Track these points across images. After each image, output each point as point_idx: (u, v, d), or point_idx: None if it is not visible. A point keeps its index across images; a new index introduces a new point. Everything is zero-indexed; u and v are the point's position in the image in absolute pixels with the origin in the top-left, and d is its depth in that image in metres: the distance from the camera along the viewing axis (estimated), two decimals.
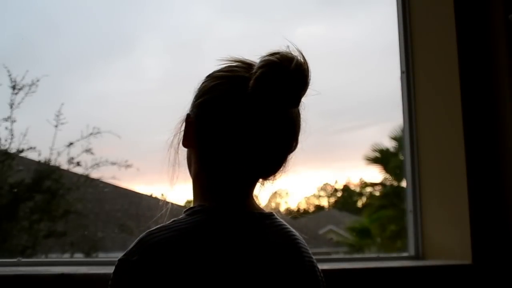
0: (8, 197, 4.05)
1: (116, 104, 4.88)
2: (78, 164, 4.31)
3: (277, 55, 0.89)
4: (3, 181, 4.02)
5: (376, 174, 7.26)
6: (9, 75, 3.98)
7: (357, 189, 8.24)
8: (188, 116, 0.97)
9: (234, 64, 0.96)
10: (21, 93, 4.02)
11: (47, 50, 4.61)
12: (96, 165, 4.36)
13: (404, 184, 2.43)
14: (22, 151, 4.09)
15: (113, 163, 4.42)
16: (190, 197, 0.99)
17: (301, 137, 0.96)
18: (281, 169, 0.96)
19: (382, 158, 7.00)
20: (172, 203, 1.03)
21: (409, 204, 2.32)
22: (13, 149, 4.08)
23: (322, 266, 1.03)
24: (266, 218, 0.96)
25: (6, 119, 4.01)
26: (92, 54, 4.45)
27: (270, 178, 0.97)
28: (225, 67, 0.96)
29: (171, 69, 5.20)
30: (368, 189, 8.16)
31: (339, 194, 9.10)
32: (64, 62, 4.36)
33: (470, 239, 2.05)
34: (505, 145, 2.09)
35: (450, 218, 2.17)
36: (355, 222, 7.86)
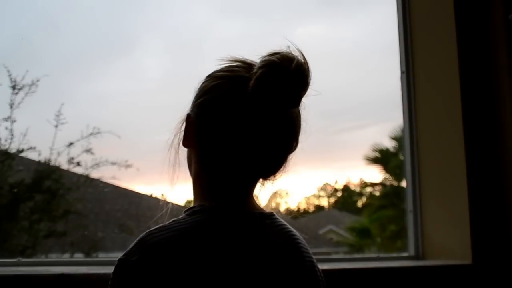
0: (8, 197, 4.05)
1: (116, 104, 4.89)
2: (78, 164, 4.32)
3: (278, 55, 0.89)
4: (3, 181, 4.02)
5: (376, 174, 7.26)
6: (9, 75, 3.99)
7: (357, 189, 8.24)
8: (188, 116, 0.97)
9: (235, 64, 0.96)
10: (21, 93, 4.03)
11: (47, 50, 4.62)
12: (96, 165, 4.37)
13: (404, 184, 2.43)
14: (22, 151, 4.10)
15: (113, 163, 4.43)
16: (190, 197, 0.99)
17: (301, 137, 0.96)
18: (281, 169, 0.96)
19: (382, 158, 7.01)
20: (172, 203, 1.04)
21: (409, 204, 2.32)
22: (13, 149, 4.09)
23: (322, 266, 1.03)
24: (267, 218, 0.96)
25: (6, 119, 4.01)
26: (92, 54, 4.46)
27: (270, 178, 0.97)
28: (226, 67, 0.96)
29: (171, 69, 5.20)
30: (368, 189, 8.17)
31: (339, 194, 9.10)
32: (64, 62, 4.36)
33: (470, 239, 2.05)
34: (505, 145, 2.09)
35: (450, 218, 2.17)
36: (355, 222, 7.86)
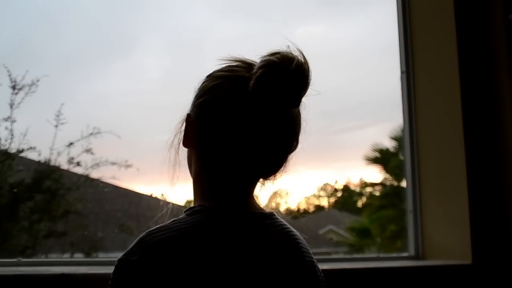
0: (8, 197, 4.05)
1: (116, 104, 4.89)
2: (78, 164, 4.32)
3: (278, 55, 0.89)
4: (3, 181, 4.02)
5: (376, 174, 7.26)
6: (9, 75, 3.99)
7: (357, 189, 8.24)
8: (188, 116, 0.97)
9: (235, 64, 0.96)
10: (21, 93, 4.03)
11: (47, 50, 4.62)
12: (96, 165, 4.37)
13: (404, 184, 2.43)
14: (22, 151, 4.10)
15: (113, 163, 4.43)
16: (190, 197, 0.99)
17: (301, 137, 0.96)
18: (282, 169, 0.96)
19: (382, 158, 7.01)
20: (172, 203, 1.03)
21: (409, 204, 2.32)
22: (13, 149, 4.09)
23: (322, 266, 1.03)
24: (267, 218, 0.96)
25: (6, 119, 4.01)
26: (92, 54, 4.46)
27: (270, 178, 0.97)
28: (226, 67, 0.96)
29: (171, 69, 5.20)
30: (368, 189, 8.17)
31: (339, 194, 9.10)
32: (64, 62, 4.36)
33: (470, 239, 2.05)
34: (505, 145, 2.09)
35: (450, 218, 2.17)
36: (355, 222, 7.86)
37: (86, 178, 4.36)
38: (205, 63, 1.07)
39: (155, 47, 4.99)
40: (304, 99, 0.91)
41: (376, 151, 7.03)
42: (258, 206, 0.97)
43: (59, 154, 4.24)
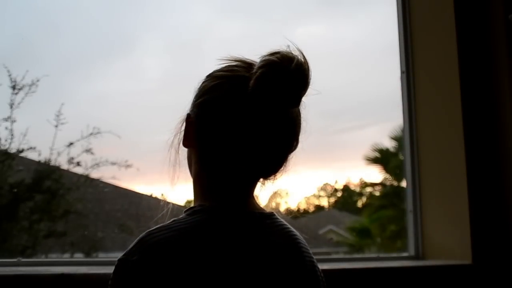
0: (8, 197, 4.05)
1: (116, 104, 4.89)
2: (78, 164, 4.32)
3: (278, 55, 0.89)
4: (3, 181, 4.02)
5: (376, 174, 7.26)
6: (9, 75, 3.99)
7: (357, 189, 8.24)
8: (188, 116, 0.97)
9: (234, 63, 0.96)
10: (21, 93, 4.03)
11: (47, 50, 4.62)
12: (96, 165, 4.37)
13: (404, 184, 2.43)
14: (22, 151, 4.10)
15: (113, 163, 4.43)
16: (191, 197, 0.99)
17: (301, 137, 0.96)
18: (282, 168, 0.96)
19: (382, 158, 7.00)
20: (172, 203, 1.03)
21: (409, 204, 2.32)
22: (13, 149, 4.09)
23: (322, 266, 1.03)
24: (267, 218, 0.96)
25: (6, 119, 4.01)
26: (92, 54, 4.46)
27: (270, 177, 0.97)
28: (225, 66, 0.96)
29: (171, 69, 5.20)
30: (368, 189, 8.16)
31: (339, 194, 9.10)
32: (64, 62, 4.36)
33: (470, 239, 2.05)
34: (505, 145, 2.09)
35: (450, 218, 2.17)
36: (355, 222, 7.86)
37: (86, 178, 4.36)
38: (205, 63, 1.07)
39: (155, 47, 4.99)
40: (304, 99, 0.91)
41: (376, 151, 7.03)
42: (258, 206, 0.97)
43: (59, 154, 4.25)
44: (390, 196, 7.19)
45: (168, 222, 0.90)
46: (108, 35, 4.56)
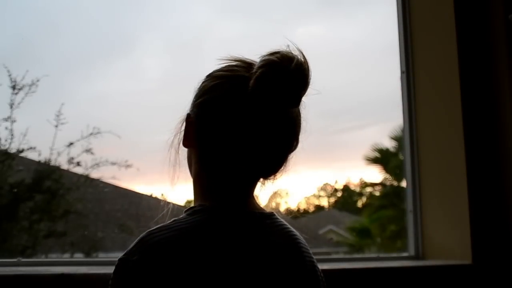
0: (8, 197, 4.05)
1: (116, 104, 4.89)
2: (78, 164, 4.32)
3: (277, 55, 0.88)
4: (3, 181, 4.02)
5: (376, 174, 7.26)
6: (9, 75, 3.99)
7: (357, 189, 8.24)
8: (188, 116, 0.97)
9: (234, 63, 0.96)
10: (21, 93, 4.03)
11: (47, 50, 4.62)
12: (96, 165, 4.37)
13: (404, 184, 2.43)
14: (22, 151, 4.10)
15: (113, 163, 4.43)
16: (191, 197, 0.99)
17: (302, 137, 0.96)
18: (282, 168, 0.96)
19: (382, 158, 7.00)
20: (172, 203, 1.03)
21: (409, 204, 2.32)
22: (13, 149, 4.09)
23: (322, 266, 1.03)
24: (267, 218, 0.96)
25: (6, 119, 4.01)
26: (92, 54, 4.46)
27: (270, 177, 0.97)
28: (225, 66, 0.96)
29: (171, 69, 5.20)
30: (368, 189, 8.16)
31: (339, 194, 9.10)
32: (64, 62, 4.37)
33: (470, 239, 2.05)
34: (505, 145, 2.09)
35: (450, 218, 2.17)
36: (355, 222, 7.86)
37: (86, 178, 4.36)
38: (205, 63, 1.07)
39: (155, 47, 4.99)
40: (304, 99, 0.91)
41: (376, 151, 7.02)
42: (258, 206, 0.97)
43: (59, 154, 4.25)
44: (390, 196, 7.19)
45: (169, 222, 0.90)
46: (108, 35, 4.57)
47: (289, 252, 0.95)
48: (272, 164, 0.95)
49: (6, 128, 4.03)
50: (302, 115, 0.96)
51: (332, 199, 9.25)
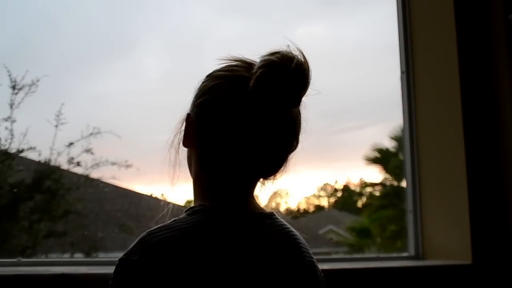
0: (8, 197, 4.05)
1: (116, 104, 4.89)
2: (78, 164, 4.32)
3: (278, 55, 0.88)
4: (3, 181, 4.02)
5: (376, 174, 7.26)
6: (9, 75, 3.99)
7: (357, 189, 8.24)
8: (188, 115, 0.97)
9: (234, 63, 0.96)
10: (21, 93, 4.03)
11: (47, 50, 4.62)
12: (96, 165, 4.37)
13: (404, 184, 2.43)
14: (22, 151, 4.10)
15: (113, 163, 4.43)
16: (191, 197, 0.99)
17: (302, 137, 0.96)
18: (282, 168, 0.96)
19: (382, 158, 7.00)
20: (172, 203, 1.03)
21: (409, 204, 2.32)
22: (13, 149, 4.09)
23: (322, 266, 1.03)
24: (267, 218, 0.96)
25: (6, 119, 4.01)
26: (92, 54, 4.46)
27: (270, 177, 0.97)
28: (225, 66, 0.96)
29: (171, 69, 5.20)
30: (368, 189, 8.16)
31: (339, 194, 9.10)
32: (64, 62, 4.37)
33: (470, 239, 2.05)
34: (505, 145, 2.09)
35: (450, 218, 2.17)
36: (355, 222, 7.86)
37: (86, 178, 4.36)
38: (205, 63, 1.06)
39: (155, 47, 4.99)
40: (304, 99, 0.91)
41: (376, 151, 7.02)
42: (258, 206, 0.97)
43: (59, 154, 4.25)
44: (390, 196, 7.19)
45: (169, 222, 0.90)
46: (108, 35, 4.57)
47: (289, 252, 0.95)
48: (272, 164, 0.95)
49: (6, 128, 4.04)
50: (302, 115, 0.96)
51: (332, 199, 9.25)
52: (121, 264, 0.85)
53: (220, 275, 0.85)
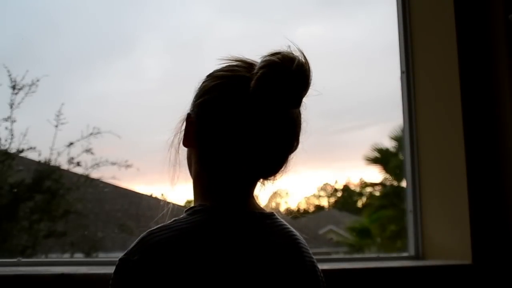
0: (8, 197, 4.05)
1: (116, 104, 4.89)
2: (78, 164, 4.32)
3: (278, 55, 0.88)
4: (3, 181, 4.02)
5: (376, 174, 7.26)
6: (9, 75, 3.99)
7: (357, 189, 8.24)
8: (188, 115, 0.97)
9: (235, 63, 0.96)
10: (21, 93, 4.03)
11: (47, 50, 4.61)
12: (96, 165, 4.37)
13: (404, 184, 2.43)
14: (22, 151, 4.10)
15: (113, 163, 4.43)
16: (191, 197, 0.99)
17: (302, 137, 0.96)
18: (282, 169, 0.96)
19: (382, 158, 7.00)
20: (172, 203, 1.03)
21: (409, 204, 2.32)
22: (13, 149, 4.09)
23: (322, 266, 1.03)
24: (267, 218, 0.96)
25: (6, 119, 4.01)
26: (92, 54, 4.45)
27: (270, 178, 0.97)
28: (226, 66, 0.96)
29: (171, 69, 5.20)
30: (368, 189, 8.16)
31: (339, 194, 9.10)
32: (64, 62, 4.36)
33: (470, 239, 2.05)
34: (505, 145, 2.09)
35: (450, 218, 2.17)
36: (355, 222, 7.86)
37: (86, 178, 4.36)
38: (205, 63, 1.06)
39: (155, 47, 4.99)
40: (304, 99, 0.91)
41: (376, 151, 7.02)
42: (258, 206, 0.97)
43: (59, 154, 4.25)
44: (390, 196, 7.18)
45: (169, 222, 0.90)
46: (108, 35, 4.56)
47: (289, 252, 0.95)
48: (273, 164, 0.95)
49: (6, 128, 4.03)
50: (302, 115, 0.96)
51: (332, 199, 9.24)
52: (121, 264, 0.85)
53: (220, 275, 0.85)
